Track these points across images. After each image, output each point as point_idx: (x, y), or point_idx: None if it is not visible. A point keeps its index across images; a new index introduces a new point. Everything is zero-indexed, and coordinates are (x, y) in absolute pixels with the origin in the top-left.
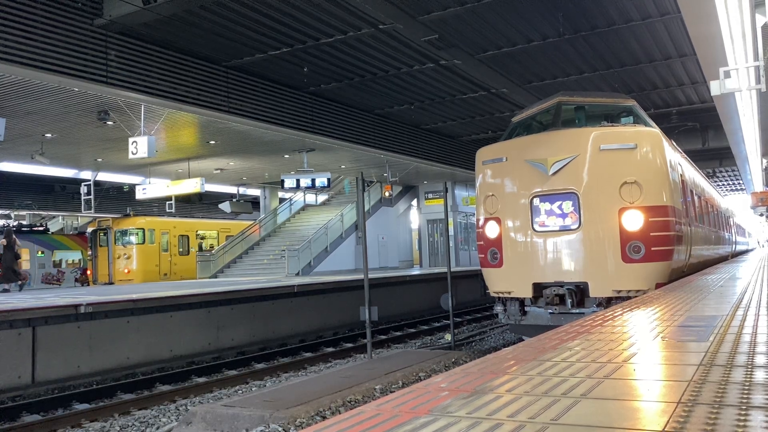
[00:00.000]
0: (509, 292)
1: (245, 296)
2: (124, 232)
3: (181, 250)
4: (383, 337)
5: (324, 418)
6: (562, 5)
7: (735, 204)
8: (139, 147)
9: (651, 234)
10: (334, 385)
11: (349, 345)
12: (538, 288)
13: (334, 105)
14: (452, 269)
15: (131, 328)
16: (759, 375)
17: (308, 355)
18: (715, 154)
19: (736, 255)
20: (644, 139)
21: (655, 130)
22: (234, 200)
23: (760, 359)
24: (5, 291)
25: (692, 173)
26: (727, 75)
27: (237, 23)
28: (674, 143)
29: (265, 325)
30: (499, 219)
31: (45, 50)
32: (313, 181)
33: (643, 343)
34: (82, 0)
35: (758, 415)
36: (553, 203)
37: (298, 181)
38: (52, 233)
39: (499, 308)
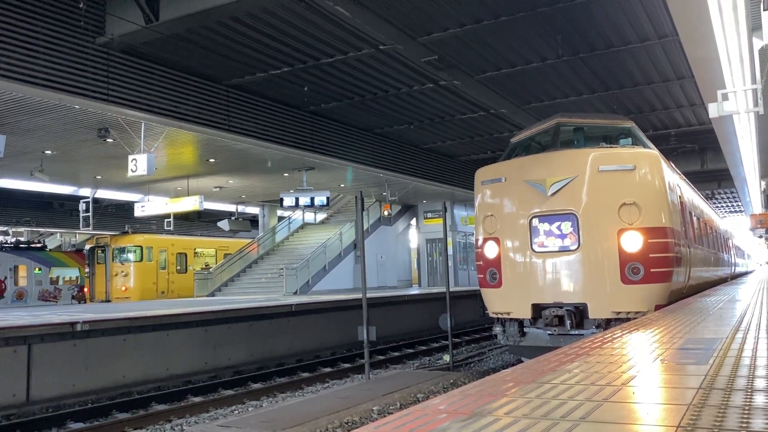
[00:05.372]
0: (508, 313)
1: (242, 315)
2: (122, 250)
3: (178, 268)
4: (381, 357)
5: None
6: (561, 27)
7: (734, 226)
8: (138, 164)
9: (650, 255)
10: (331, 406)
11: (347, 365)
12: (537, 309)
13: (333, 124)
14: (451, 289)
15: (127, 347)
16: (759, 399)
17: (305, 375)
18: (713, 175)
19: (736, 277)
20: (643, 161)
21: (654, 151)
22: (232, 218)
23: (759, 383)
24: None
25: (691, 195)
26: (725, 97)
27: (238, 43)
28: (673, 165)
29: (262, 345)
30: (498, 239)
31: (47, 68)
32: (312, 199)
33: (642, 365)
34: (84, 18)
35: None
36: (552, 224)
37: (297, 199)
38: (50, 250)
39: (498, 329)
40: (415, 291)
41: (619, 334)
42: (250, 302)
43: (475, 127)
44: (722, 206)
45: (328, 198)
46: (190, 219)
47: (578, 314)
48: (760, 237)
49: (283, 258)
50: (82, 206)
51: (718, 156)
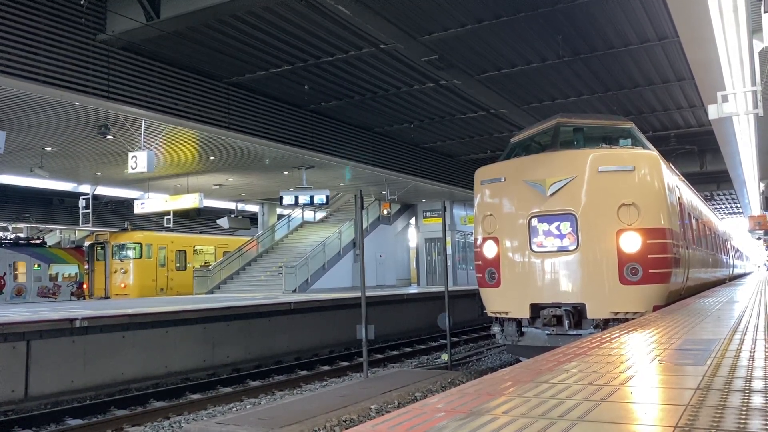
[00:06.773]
0: (507, 313)
1: (241, 313)
2: (122, 247)
3: (178, 265)
4: (379, 356)
5: None
6: (562, 28)
7: (733, 227)
8: (138, 161)
9: (648, 256)
10: (329, 404)
11: (345, 363)
12: (536, 309)
13: (334, 123)
14: (450, 288)
15: (126, 344)
16: (756, 400)
17: (304, 373)
18: (712, 177)
19: (734, 278)
20: (642, 162)
21: (653, 152)
22: (232, 216)
23: (757, 384)
24: None
25: (690, 196)
26: (725, 99)
27: (239, 41)
28: (672, 166)
29: (260, 343)
30: (497, 239)
31: (47, 64)
32: (311, 197)
33: (640, 365)
34: (85, 15)
35: None
36: (551, 224)
37: (296, 197)
38: (49, 246)
39: (496, 328)
40: (413, 290)
41: (617, 335)
42: (249, 300)
43: (474, 126)
44: (721, 208)
45: (327, 196)
46: (189, 216)
47: (576, 314)
48: (759, 239)
49: (282, 256)
50: (81, 203)
51: (717, 158)
